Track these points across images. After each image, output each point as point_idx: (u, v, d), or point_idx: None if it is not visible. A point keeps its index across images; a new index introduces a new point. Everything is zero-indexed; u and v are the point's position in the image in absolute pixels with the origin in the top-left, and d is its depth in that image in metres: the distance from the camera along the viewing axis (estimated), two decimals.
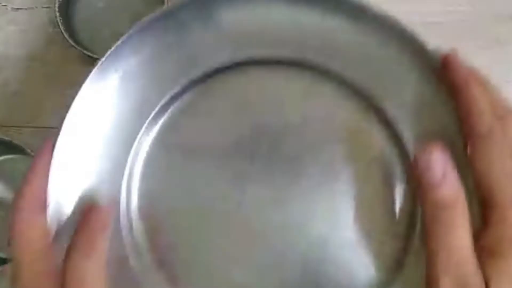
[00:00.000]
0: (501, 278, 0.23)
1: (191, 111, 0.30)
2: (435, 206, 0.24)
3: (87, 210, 0.27)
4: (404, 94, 0.28)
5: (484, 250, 0.24)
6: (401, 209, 0.29)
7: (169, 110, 0.30)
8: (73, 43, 0.39)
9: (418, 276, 0.26)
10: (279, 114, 0.30)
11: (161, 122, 0.30)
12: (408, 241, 0.28)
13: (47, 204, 0.27)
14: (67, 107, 0.28)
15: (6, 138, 0.38)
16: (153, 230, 0.29)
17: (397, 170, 0.29)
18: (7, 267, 0.36)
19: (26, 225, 0.26)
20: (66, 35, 0.39)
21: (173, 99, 0.30)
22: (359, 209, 0.29)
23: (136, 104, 0.29)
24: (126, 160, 0.29)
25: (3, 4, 0.43)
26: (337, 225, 0.29)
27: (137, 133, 0.29)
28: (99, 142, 0.29)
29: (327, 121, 0.30)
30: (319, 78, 0.30)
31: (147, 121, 0.29)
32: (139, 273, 0.28)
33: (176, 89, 0.30)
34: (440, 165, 0.25)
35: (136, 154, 0.30)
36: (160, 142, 0.30)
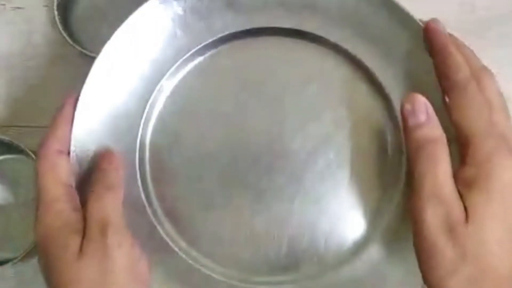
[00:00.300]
0: (478, 207, 0.26)
1: (201, 74, 0.34)
2: (418, 143, 0.28)
3: (106, 152, 0.31)
4: (392, 59, 0.32)
5: (461, 183, 0.27)
6: (392, 152, 0.33)
7: (180, 73, 0.33)
8: (72, 43, 0.39)
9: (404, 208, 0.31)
10: (278, 81, 0.33)
11: (174, 81, 0.33)
12: (397, 176, 0.33)
13: (70, 150, 0.30)
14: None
15: (6, 138, 0.38)
16: (160, 182, 0.33)
17: (387, 126, 0.33)
18: (7, 267, 0.36)
19: (51, 166, 0.29)
20: (65, 34, 0.39)
21: (184, 62, 0.33)
22: (355, 155, 0.33)
23: (154, 63, 0.33)
24: (141, 115, 0.33)
25: (2, 3, 0.43)
26: (336, 169, 0.33)
27: (152, 91, 0.33)
28: (119, 96, 0.32)
29: (324, 86, 0.33)
30: (315, 47, 0.33)
31: (163, 79, 0.33)
32: (154, 221, 0.32)
33: (190, 52, 0.33)
34: (423, 110, 0.28)
35: (151, 109, 0.33)
36: (172, 99, 0.33)
